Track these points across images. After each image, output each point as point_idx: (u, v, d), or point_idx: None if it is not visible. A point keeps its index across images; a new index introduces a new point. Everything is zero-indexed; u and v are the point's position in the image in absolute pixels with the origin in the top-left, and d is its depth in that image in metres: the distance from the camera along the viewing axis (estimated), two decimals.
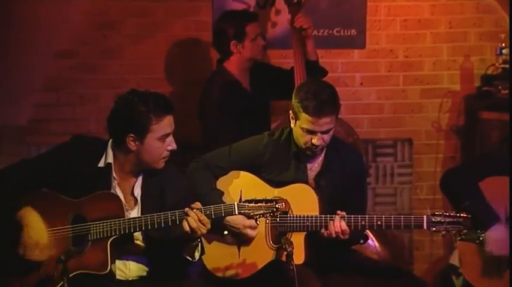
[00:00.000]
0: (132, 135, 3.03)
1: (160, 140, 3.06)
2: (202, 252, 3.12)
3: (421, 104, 4.75)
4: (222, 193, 3.31)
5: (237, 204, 3.03)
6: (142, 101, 3.02)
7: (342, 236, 3.23)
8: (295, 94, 3.32)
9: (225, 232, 3.31)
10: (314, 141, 3.28)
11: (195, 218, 2.97)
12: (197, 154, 3.88)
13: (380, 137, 4.76)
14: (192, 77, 4.58)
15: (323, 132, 3.28)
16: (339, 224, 3.22)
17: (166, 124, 3.05)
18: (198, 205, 3.01)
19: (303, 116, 3.26)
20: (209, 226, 3.00)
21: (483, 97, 4.54)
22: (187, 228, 2.97)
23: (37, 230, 2.98)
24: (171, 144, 3.08)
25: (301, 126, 3.28)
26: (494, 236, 3.29)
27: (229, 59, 4.17)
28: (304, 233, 3.30)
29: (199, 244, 3.08)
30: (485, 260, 3.34)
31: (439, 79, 4.73)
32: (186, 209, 2.99)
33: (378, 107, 4.75)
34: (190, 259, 3.07)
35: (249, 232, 3.30)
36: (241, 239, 3.34)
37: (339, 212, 3.25)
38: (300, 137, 3.32)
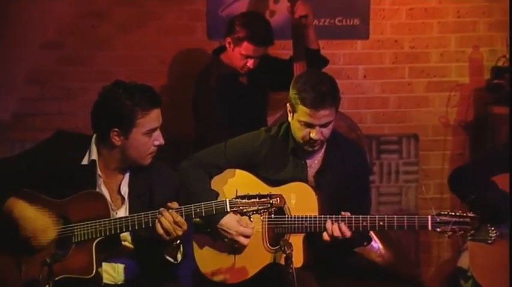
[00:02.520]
0: (116, 129, 3.01)
1: (147, 135, 3.03)
2: (185, 254, 3.09)
3: (427, 97, 4.73)
4: (217, 194, 3.28)
5: (229, 201, 3.00)
6: (128, 94, 2.99)
7: (345, 235, 3.19)
8: (293, 85, 3.29)
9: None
10: (312, 135, 3.25)
11: (170, 220, 2.95)
12: (190, 150, 3.86)
13: (384, 132, 4.74)
14: (185, 69, 4.56)
15: (322, 126, 3.25)
16: (337, 226, 3.18)
17: (153, 118, 3.02)
18: (175, 204, 2.99)
19: (301, 108, 3.23)
20: (185, 227, 2.97)
21: (493, 90, 4.53)
22: (160, 230, 2.95)
23: (35, 216, 2.97)
24: (158, 139, 3.05)
25: (299, 119, 3.25)
26: None
27: (226, 50, 4.16)
28: (303, 234, 3.27)
29: (181, 245, 3.04)
30: (497, 261, 3.30)
31: (446, 71, 4.72)
32: (161, 209, 2.97)
33: (382, 101, 4.73)
34: (172, 260, 3.04)
35: (242, 239, 3.28)
36: (232, 247, 3.30)
37: (343, 213, 3.22)
38: (298, 131, 3.28)
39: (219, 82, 4.12)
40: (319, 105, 3.20)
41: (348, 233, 3.19)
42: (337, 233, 3.19)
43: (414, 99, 4.73)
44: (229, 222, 3.25)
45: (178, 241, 3.00)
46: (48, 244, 2.98)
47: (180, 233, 2.95)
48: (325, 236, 3.21)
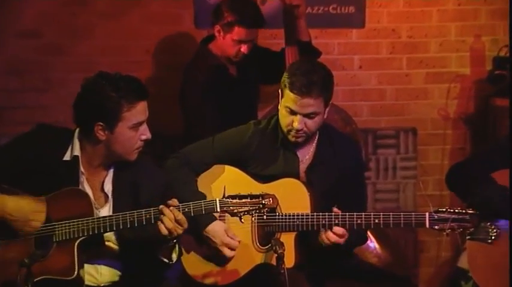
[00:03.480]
0: (101, 124, 3.01)
1: (133, 129, 3.03)
2: (180, 253, 3.11)
3: (426, 89, 4.76)
4: (205, 197, 3.29)
5: (219, 200, 3.00)
6: (113, 86, 2.99)
7: (340, 240, 3.23)
8: (286, 70, 3.34)
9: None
10: (295, 124, 3.28)
11: (171, 217, 2.95)
12: (177, 144, 3.87)
13: (381, 126, 4.77)
14: (172, 59, 4.57)
15: (306, 116, 3.28)
16: (330, 233, 3.22)
17: (139, 111, 3.03)
18: (175, 201, 2.99)
19: (287, 93, 3.27)
20: (186, 226, 2.98)
21: (495, 82, 4.55)
22: (164, 230, 2.95)
23: (19, 203, 2.96)
24: (145, 133, 3.06)
25: (285, 105, 3.30)
26: None
27: (215, 40, 4.17)
28: (295, 233, 3.30)
29: (177, 244, 3.06)
30: (497, 262, 3.32)
31: (446, 62, 4.74)
32: (161, 206, 2.97)
33: (379, 93, 4.75)
34: (167, 261, 3.05)
35: (226, 251, 3.29)
36: (217, 256, 3.31)
37: (335, 209, 3.24)
38: (282, 118, 3.33)
39: (207, 74, 4.12)
40: (304, 93, 3.23)
41: (344, 237, 3.22)
42: (334, 238, 3.22)
43: (412, 91, 4.75)
44: (217, 230, 3.27)
45: (174, 241, 3.00)
46: (39, 228, 2.96)
47: (180, 232, 2.96)
48: (326, 241, 3.23)
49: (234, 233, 3.30)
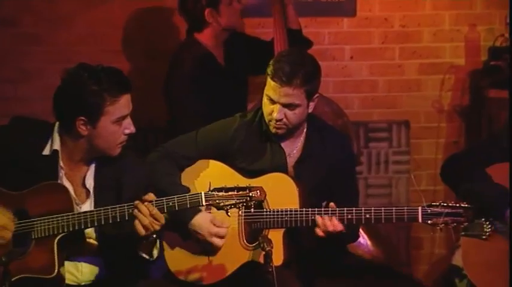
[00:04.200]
0: (82, 118, 3.01)
1: (116, 123, 3.03)
2: (162, 249, 3.12)
3: (419, 81, 4.78)
4: (189, 190, 3.30)
5: (205, 193, 3.00)
6: (94, 78, 2.99)
7: (336, 229, 3.24)
8: (274, 57, 3.37)
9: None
10: (273, 113, 3.31)
11: (146, 213, 2.95)
12: (162, 138, 3.87)
13: (373, 119, 4.79)
14: (155, 49, 4.58)
15: (286, 107, 3.30)
16: (328, 220, 3.23)
17: (122, 105, 3.03)
18: (151, 196, 2.99)
19: (268, 81, 3.31)
20: (163, 221, 2.97)
21: (491, 73, 4.58)
22: (140, 228, 2.94)
23: None
24: (128, 127, 3.06)
25: (266, 93, 3.33)
26: None
27: (203, 29, 4.17)
28: (283, 230, 3.31)
29: (157, 240, 3.06)
30: (492, 259, 3.35)
31: (440, 52, 4.77)
32: (137, 202, 2.96)
33: (371, 84, 4.77)
34: (147, 257, 3.05)
35: (216, 241, 3.30)
36: (206, 248, 3.33)
37: (331, 204, 3.26)
38: (264, 106, 3.36)
39: (194, 63, 4.12)
40: (284, 82, 3.25)
41: (340, 227, 3.23)
42: (330, 227, 3.22)
43: (405, 83, 4.77)
44: (202, 222, 3.28)
45: (154, 236, 3.00)
46: (6, 243, 2.97)
47: (157, 227, 2.95)
48: (319, 232, 3.24)
49: (220, 220, 3.29)
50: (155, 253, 3.07)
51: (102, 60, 3.15)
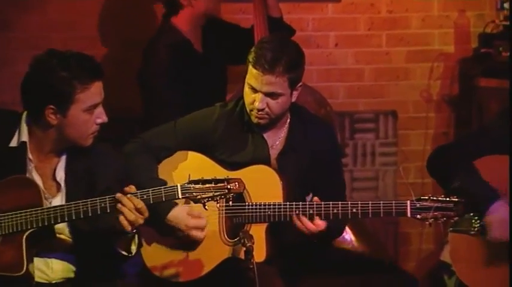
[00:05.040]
0: (51, 106, 2.99)
1: (88, 111, 3.02)
2: (140, 245, 3.10)
3: (407, 69, 4.80)
4: (166, 183, 3.26)
5: (181, 186, 2.99)
6: (64, 64, 2.97)
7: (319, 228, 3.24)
8: (255, 45, 3.37)
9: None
10: (255, 103, 3.30)
11: (131, 207, 2.94)
12: (137, 129, 3.85)
13: (359, 109, 4.80)
14: (131, 35, 4.56)
15: (268, 96, 3.29)
16: (306, 221, 3.22)
17: (94, 93, 3.02)
18: (132, 188, 2.97)
19: (250, 69, 3.30)
20: (147, 214, 2.96)
21: (481, 61, 4.60)
22: (125, 224, 2.93)
23: None
24: (100, 116, 3.05)
25: (247, 82, 3.33)
26: (497, 217, 3.28)
27: (178, 13, 4.16)
28: (266, 224, 3.31)
29: (136, 235, 3.04)
30: (481, 255, 3.35)
31: (429, 39, 4.78)
32: (119, 194, 2.95)
33: (356, 72, 4.78)
34: (125, 253, 3.04)
35: (195, 233, 3.29)
36: (186, 243, 3.32)
37: (316, 198, 3.25)
38: (245, 96, 3.36)
39: (170, 51, 4.11)
40: (266, 70, 3.25)
41: (322, 226, 3.23)
42: (312, 228, 3.22)
43: (392, 71, 4.79)
44: (178, 216, 3.26)
45: (134, 231, 2.99)
46: None
47: (141, 222, 2.95)
48: (302, 228, 3.24)
49: (198, 212, 3.27)
50: (133, 248, 3.06)
51: (74, 46, 3.17)
